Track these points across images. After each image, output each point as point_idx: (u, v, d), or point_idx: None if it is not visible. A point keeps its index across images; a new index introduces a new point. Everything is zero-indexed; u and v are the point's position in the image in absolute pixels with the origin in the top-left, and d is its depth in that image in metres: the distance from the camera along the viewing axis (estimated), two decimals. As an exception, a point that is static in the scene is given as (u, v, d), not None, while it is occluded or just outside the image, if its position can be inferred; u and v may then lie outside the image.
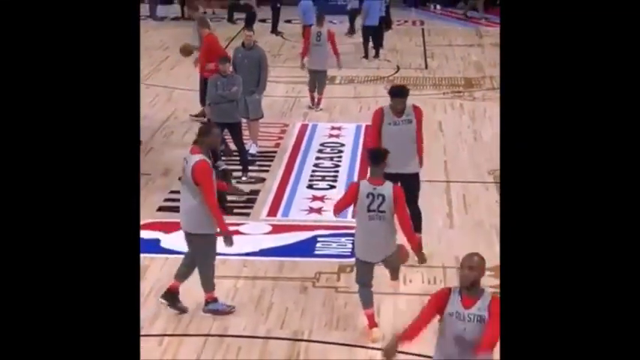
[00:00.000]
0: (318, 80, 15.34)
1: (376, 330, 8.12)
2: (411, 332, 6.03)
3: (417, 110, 9.41)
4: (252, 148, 12.75)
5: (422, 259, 8.33)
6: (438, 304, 5.93)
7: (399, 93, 9.38)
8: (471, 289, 5.83)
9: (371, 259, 8.09)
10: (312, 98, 15.52)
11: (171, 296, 8.52)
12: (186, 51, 14.66)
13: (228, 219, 10.34)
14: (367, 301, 8.13)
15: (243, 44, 13.00)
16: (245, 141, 12.14)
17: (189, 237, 8.37)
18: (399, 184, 8.59)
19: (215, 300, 8.50)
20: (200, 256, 8.39)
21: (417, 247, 8.31)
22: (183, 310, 8.52)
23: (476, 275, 5.84)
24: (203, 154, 8.11)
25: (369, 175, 8.07)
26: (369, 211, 7.85)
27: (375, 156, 8.03)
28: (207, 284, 8.47)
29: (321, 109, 15.40)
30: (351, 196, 7.99)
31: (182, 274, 8.57)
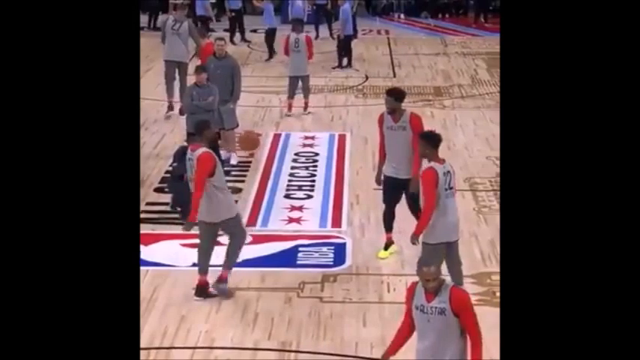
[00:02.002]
0: (303, 85, 15.52)
1: None
2: (395, 340, 6.40)
3: (413, 119, 9.45)
4: (233, 159, 12.74)
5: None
6: (409, 300, 6.24)
7: (388, 92, 9.61)
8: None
9: (450, 238, 8.31)
10: (290, 105, 15.55)
11: (202, 290, 8.87)
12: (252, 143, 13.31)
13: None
14: None
15: (214, 54, 12.89)
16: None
17: (215, 226, 8.76)
18: (397, 189, 9.34)
19: (226, 281, 8.82)
20: (232, 237, 8.85)
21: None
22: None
23: (436, 283, 6.07)
24: (205, 147, 8.61)
25: (431, 157, 8.17)
26: (446, 189, 8.14)
27: (431, 139, 8.25)
28: (230, 263, 8.84)
29: (309, 113, 15.58)
30: (435, 184, 8.07)
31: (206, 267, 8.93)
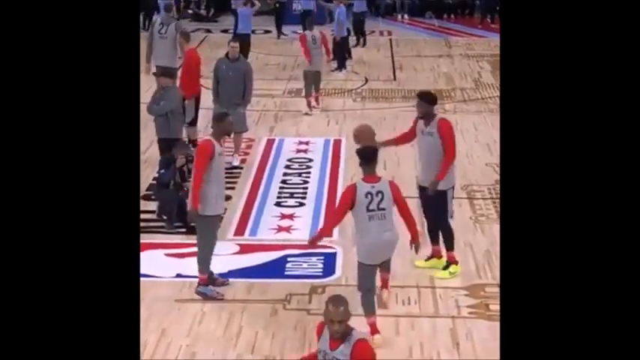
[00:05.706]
0: (318, 80, 15.69)
1: (378, 337, 7.96)
2: None
3: (441, 125, 8.97)
4: (234, 160, 12.66)
5: (417, 249, 8.24)
6: (317, 338, 5.87)
7: (420, 95, 9.22)
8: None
9: (374, 261, 7.96)
10: (309, 103, 15.57)
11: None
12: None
13: (194, 239, 10.04)
14: (370, 307, 8.00)
15: (227, 55, 12.59)
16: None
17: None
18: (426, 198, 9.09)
19: (206, 284, 8.83)
20: (198, 236, 8.83)
21: (416, 237, 8.14)
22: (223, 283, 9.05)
23: (341, 327, 5.62)
24: (212, 137, 8.58)
25: (362, 175, 7.91)
26: (368, 210, 7.73)
27: (365, 155, 7.91)
28: (202, 265, 8.80)
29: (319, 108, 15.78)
30: (347, 203, 7.77)
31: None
